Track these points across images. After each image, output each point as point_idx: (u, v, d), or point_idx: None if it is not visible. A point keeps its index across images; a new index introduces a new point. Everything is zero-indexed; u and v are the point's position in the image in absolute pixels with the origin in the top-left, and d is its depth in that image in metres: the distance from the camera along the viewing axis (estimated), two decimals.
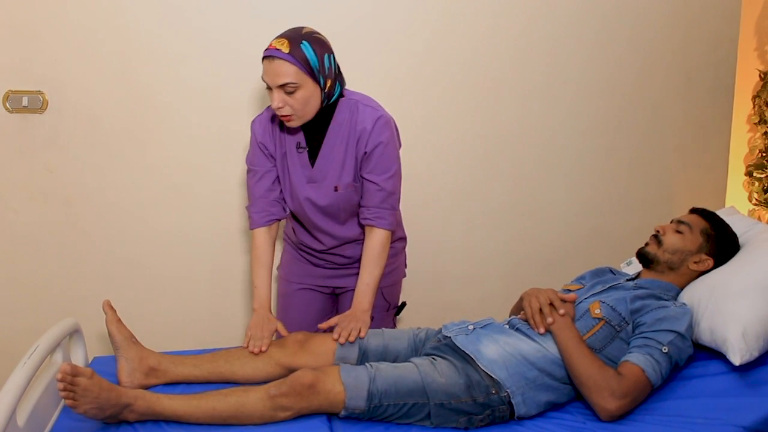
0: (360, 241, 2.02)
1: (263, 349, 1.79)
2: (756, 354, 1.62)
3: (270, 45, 1.75)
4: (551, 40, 2.49)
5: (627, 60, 2.57)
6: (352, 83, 2.33)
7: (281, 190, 1.97)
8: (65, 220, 2.30)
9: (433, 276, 2.57)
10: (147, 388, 1.73)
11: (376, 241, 1.91)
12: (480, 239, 2.59)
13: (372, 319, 1.93)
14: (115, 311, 1.81)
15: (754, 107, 2.87)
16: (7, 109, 2.18)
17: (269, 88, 1.77)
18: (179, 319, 2.43)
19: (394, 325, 2.18)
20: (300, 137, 1.91)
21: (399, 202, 1.96)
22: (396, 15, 2.35)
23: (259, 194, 1.95)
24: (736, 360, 1.61)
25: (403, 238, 2.14)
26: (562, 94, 2.54)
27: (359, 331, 1.82)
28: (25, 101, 2.18)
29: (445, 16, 2.38)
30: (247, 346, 1.81)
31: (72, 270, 2.33)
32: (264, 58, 1.75)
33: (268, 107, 1.92)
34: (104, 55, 2.20)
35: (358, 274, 2.05)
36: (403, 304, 2.19)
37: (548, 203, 2.62)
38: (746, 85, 2.87)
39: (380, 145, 1.85)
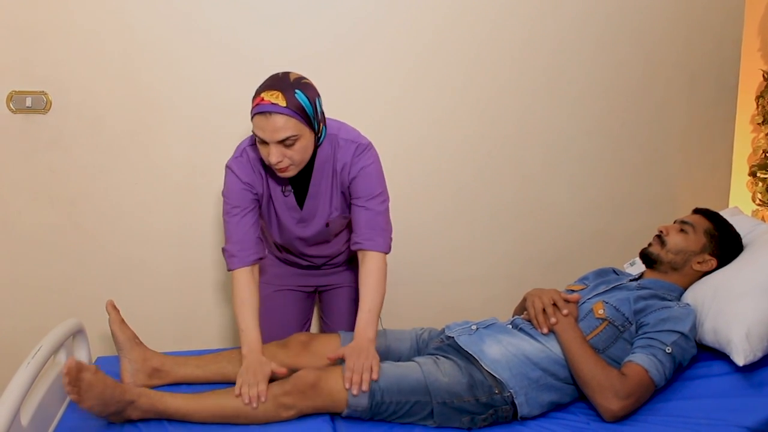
0: (347, 249, 1.99)
1: (261, 399, 1.58)
2: (760, 355, 1.62)
3: (262, 99, 1.62)
4: (554, 42, 2.48)
5: (630, 61, 2.57)
6: (355, 87, 2.34)
7: (262, 228, 1.91)
8: (68, 220, 2.30)
9: (436, 277, 2.57)
10: (150, 389, 1.73)
11: (373, 265, 1.79)
12: (483, 240, 2.59)
13: None
14: (118, 312, 1.82)
15: (757, 108, 2.86)
16: (10, 109, 2.19)
17: (263, 142, 1.66)
18: (182, 320, 2.43)
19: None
20: (283, 180, 1.83)
21: (390, 224, 1.88)
22: (399, 16, 2.35)
23: (243, 233, 1.80)
24: (740, 361, 1.61)
25: None
26: (566, 95, 2.54)
27: (371, 372, 1.62)
28: (28, 102, 2.18)
29: (449, 17, 2.38)
30: (240, 394, 1.59)
31: (75, 270, 2.33)
32: (258, 113, 1.63)
33: (243, 150, 1.83)
34: (107, 56, 2.21)
35: (342, 271, 2.03)
36: None
37: (551, 204, 2.62)
38: (750, 85, 2.86)
39: (362, 169, 1.79)
